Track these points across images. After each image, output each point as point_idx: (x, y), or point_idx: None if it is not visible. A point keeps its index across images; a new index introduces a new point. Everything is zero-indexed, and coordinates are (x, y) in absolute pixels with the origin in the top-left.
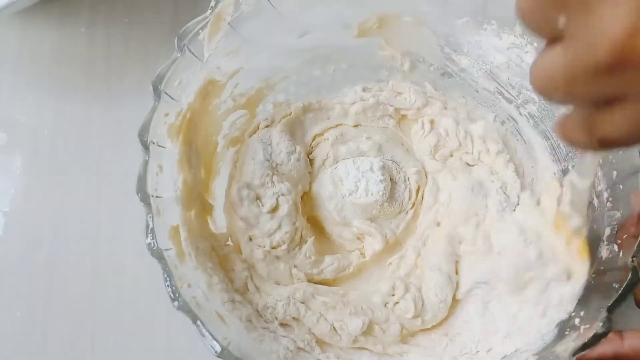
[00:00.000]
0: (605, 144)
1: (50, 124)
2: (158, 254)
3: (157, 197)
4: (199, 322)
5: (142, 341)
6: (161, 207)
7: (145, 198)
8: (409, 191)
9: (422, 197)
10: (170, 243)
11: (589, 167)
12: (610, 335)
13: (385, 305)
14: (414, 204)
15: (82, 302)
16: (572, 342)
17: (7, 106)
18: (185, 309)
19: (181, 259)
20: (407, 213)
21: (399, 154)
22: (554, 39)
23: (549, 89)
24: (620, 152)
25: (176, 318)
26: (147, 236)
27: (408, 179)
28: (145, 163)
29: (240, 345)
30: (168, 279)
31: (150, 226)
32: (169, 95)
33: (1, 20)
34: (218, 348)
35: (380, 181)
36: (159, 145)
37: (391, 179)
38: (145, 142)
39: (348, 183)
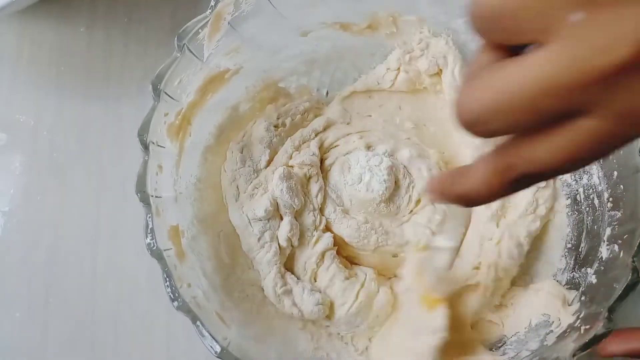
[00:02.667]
0: (521, 180)
1: (50, 123)
2: (158, 254)
3: (156, 197)
4: (198, 323)
5: (142, 341)
6: (161, 207)
7: (144, 198)
8: (409, 198)
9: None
10: (169, 243)
11: (458, 228)
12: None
13: None
14: (411, 211)
15: (82, 302)
16: (572, 343)
17: (7, 106)
18: (185, 309)
19: (181, 259)
20: (403, 216)
21: (414, 160)
22: (520, 45)
23: (501, 112)
24: (621, 152)
25: (176, 318)
26: (146, 236)
27: (412, 187)
28: (145, 163)
29: (241, 345)
30: (168, 279)
31: (150, 226)
32: (169, 95)
33: (0, 20)
34: (218, 348)
35: (384, 181)
36: (158, 145)
37: (396, 182)
38: (144, 142)
39: (354, 172)
